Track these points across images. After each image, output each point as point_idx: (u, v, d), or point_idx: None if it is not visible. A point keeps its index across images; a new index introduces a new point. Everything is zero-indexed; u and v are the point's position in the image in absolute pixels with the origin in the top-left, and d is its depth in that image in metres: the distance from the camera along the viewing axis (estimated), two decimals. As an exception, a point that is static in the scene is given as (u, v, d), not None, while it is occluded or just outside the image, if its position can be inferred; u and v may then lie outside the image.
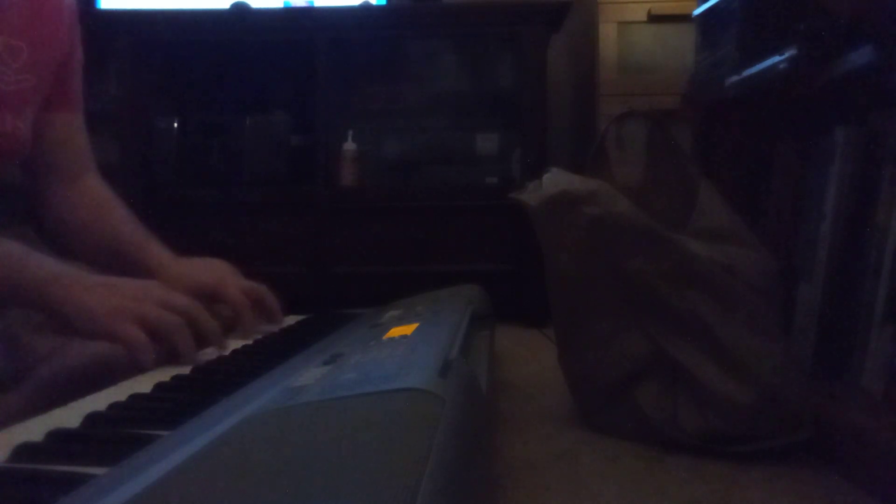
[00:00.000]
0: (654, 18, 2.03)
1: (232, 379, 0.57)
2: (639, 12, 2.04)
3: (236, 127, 1.94)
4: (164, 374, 0.60)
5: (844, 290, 0.89)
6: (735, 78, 1.12)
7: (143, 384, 0.56)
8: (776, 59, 0.99)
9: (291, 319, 0.97)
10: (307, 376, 0.49)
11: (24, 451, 0.39)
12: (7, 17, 0.77)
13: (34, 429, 0.43)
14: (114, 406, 0.50)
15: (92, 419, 0.46)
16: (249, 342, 0.77)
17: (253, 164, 1.94)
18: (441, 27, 1.99)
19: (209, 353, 0.70)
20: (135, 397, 0.53)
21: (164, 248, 0.88)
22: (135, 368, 0.62)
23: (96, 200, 0.91)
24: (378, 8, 2.05)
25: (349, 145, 1.94)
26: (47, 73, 0.84)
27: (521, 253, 1.79)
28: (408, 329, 0.64)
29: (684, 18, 1.66)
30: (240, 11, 1.95)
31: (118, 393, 0.53)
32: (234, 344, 0.74)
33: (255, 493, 0.28)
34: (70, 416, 0.47)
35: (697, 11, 1.33)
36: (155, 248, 0.88)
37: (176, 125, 1.95)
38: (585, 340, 0.87)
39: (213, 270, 0.88)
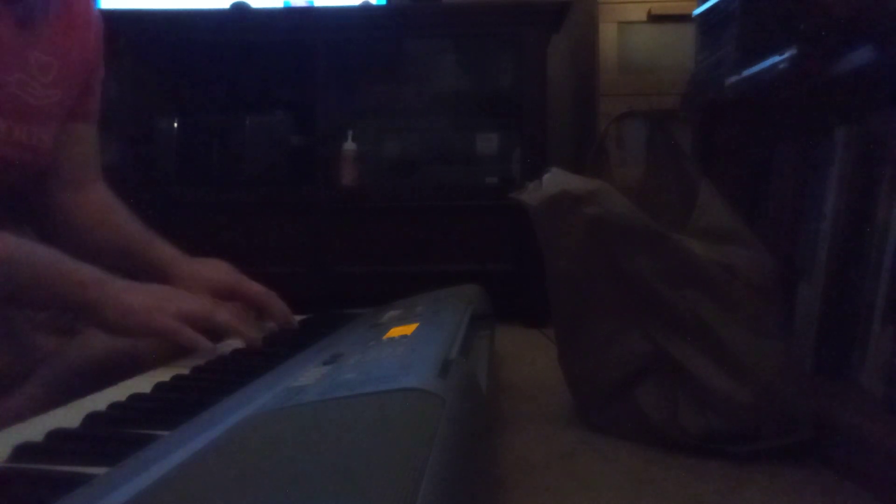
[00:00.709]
0: (654, 18, 2.03)
1: (232, 379, 0.57)
2: (639, 12, 2.04)
3: (236, 127, 1.94)
4: (164, 374, 0.60)
5: (844, 290, 0.89)
6: (735, 78, 1.12)
7: (143, 384, 0.56)
8: (776, 59, 0.99)
9: (291, 319, 0.97)
10: (307, 376, 0.49)
11: (24, 451, 0.39)
12: (40, 33, 0.78)
13: (34, 429, 0.43)
14: (114, 406, 0.50)
15: (92, 419, 0.46)
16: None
17: (253, 164, 1.94)
18: (441, 27, 1.99)
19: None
20: (135, 397, 0.53)
21: (174, 247, 0.89)
22: (189, 356, 0.67)
23: (103, 203, 0.92)
24: (378, 8, 2.04)
25: (349, 145, 1.94)
26: (73, 87, 0.85)
27: (521, 253, 1.79)
28: (408, 329, 0.64)
29: (684, 18, 1.65)
30: (240, 11, 1.95)
31: (118, 393, 0.53)
32: (235, 343, 0.75)
33: (255, 494, 0.28)
34: (70, 416, 0.47)
35: (697, 11, 1.33)
36: (166, 247, 0.88)
37: (176, 125, 1.95)
38: (585, 340, 0.87)
39: (221, 270, 0.89)
